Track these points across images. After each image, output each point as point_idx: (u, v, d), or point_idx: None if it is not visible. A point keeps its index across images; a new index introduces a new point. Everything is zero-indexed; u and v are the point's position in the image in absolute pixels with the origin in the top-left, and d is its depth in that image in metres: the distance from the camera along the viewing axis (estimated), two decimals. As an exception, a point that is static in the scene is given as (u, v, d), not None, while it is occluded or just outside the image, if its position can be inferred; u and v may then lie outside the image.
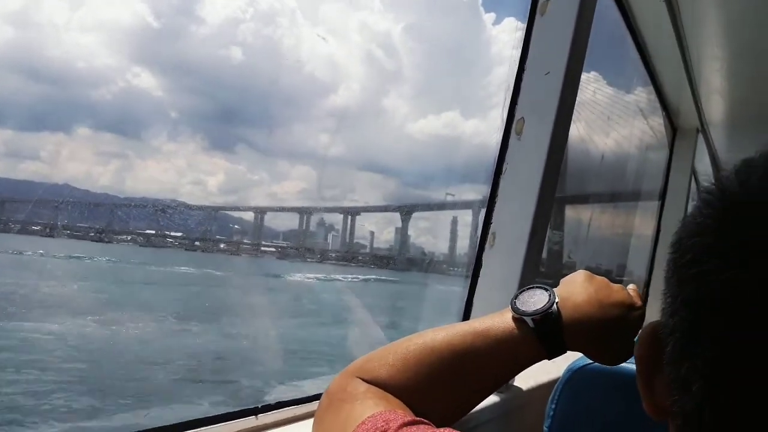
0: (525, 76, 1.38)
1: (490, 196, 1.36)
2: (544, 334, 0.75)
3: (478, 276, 1.35)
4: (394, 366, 0.75)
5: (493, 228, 1.35)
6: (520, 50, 1.40)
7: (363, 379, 0.75)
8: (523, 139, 1.35)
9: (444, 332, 0.77)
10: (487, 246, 1.35)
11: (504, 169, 1.36)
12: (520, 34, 1.45)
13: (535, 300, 0.78)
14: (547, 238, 1.36)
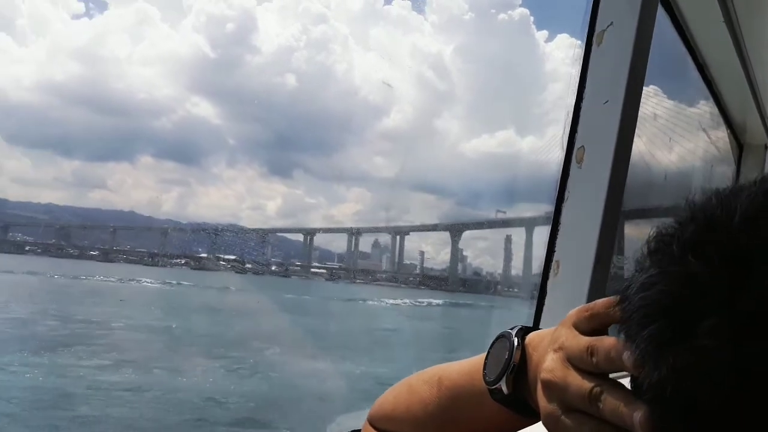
0: (584, 105, 1.40)
1: (552, 225, 1.37)
2: (504, 400, 0.64)
3: (543, 305, 1.36)
4: (399, 409, 0.79)
5: (556, 256, 1.36)
6: (577, 79, 1.42)
7: (374, 426, 0.80)
8: (584, 167, 1.36)
9: (451, 369, 0.75)
10: (551, 274, 1.36)
11: (566, 197, 1.38)
12: (578, 60, 1.47)
13: (498, 357, 0.66)
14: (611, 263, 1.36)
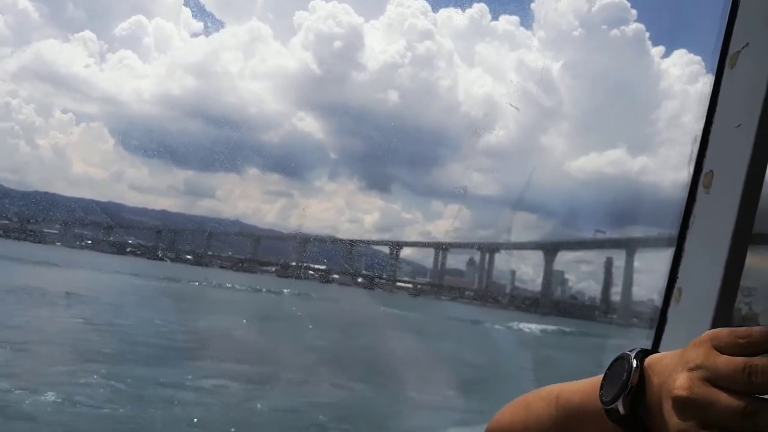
0: (713, 128, 1.36)
1: (675, 250, 1.34)
2: (621, 421, 0.65)
3: (662, 332, 1.32)
4: (516, 424, 0.80)
5: (679, 283, 1.32)
6: (708, 101, 1.38)
7: None
8: (711, 192, 1.32)
9: (569, 387, 0.76)
10: (672, 301, 1.32)
11: (691, 223, 1.34)
12: (704, 87, 1.42)
13: (615, 378, 0.66)
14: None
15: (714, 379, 0.55)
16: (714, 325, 1.25)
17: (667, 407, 0.58)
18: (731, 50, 1.36)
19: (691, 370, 0.57)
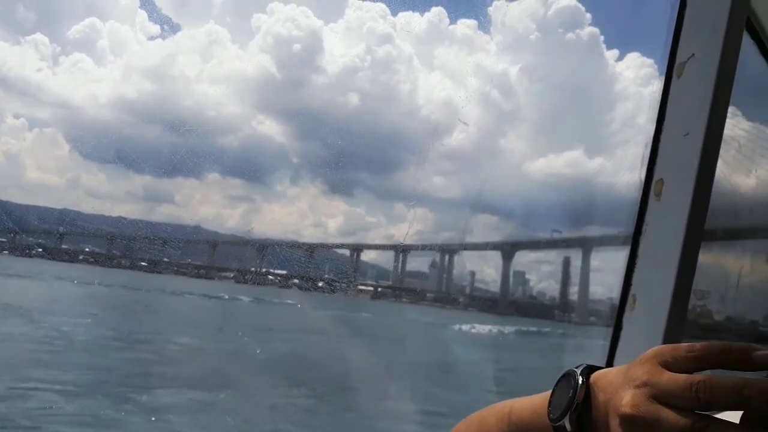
0: (663, 137, 1.38)
1: (629, 257, 1.36)
2: None
3: (618, 339, 1.34)
4: None
5: (633, 290, 1.34)
6: (656, 111, 1.41)
7: None
8: (662, 200, 1.34)
9: (520, 404, 0.76)
10: (627, 308, 1.34)
11: (643, 231, 1.36)
12: (656, 90, 1.45)
13: (562, 395, 0.67)
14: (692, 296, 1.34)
15: (660, 396, 0.55)
16: (668, 330, 1.28)
17: (614, 424, 0.58)
18: (678, 60, 1.39)
19: (637, 387, 0.57)
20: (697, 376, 0.54)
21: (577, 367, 0.68)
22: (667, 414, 0.54)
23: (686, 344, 0.58)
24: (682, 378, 0.55)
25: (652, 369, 0.57)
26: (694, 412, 0.53)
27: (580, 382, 0.65)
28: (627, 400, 0.57)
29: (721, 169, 1.41)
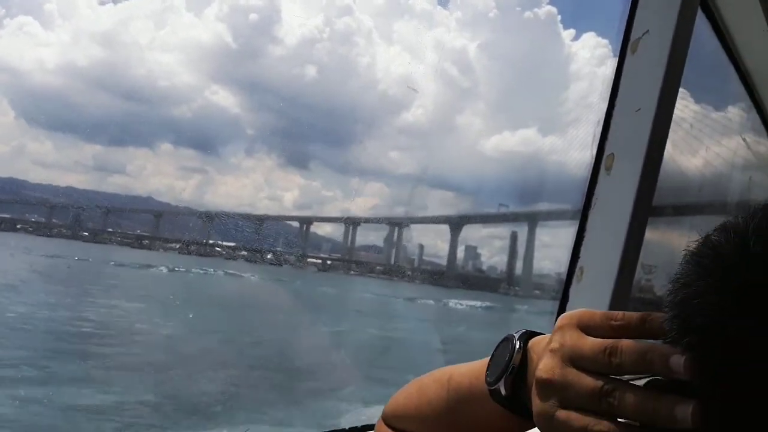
0: (615, 112, 1.40)
1: (578, 230, 1.37)
2: (503, 402, 0.65)
3: (564, 310, 1.35)
4: (410, 407, 0.81)
5: (580, 262, 1.36)
6: (610, 86, 1.42)
7: (387, 424, 0.82)
8: (612, 174, 1.36)
9: (460, 369, 0.76)
10: (574, 280, 1.36)
11: (593, 204, 1.38)
12: (610, 70, 1.46)
13: (500, 359, 0.66)
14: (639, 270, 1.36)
15: (575, 360, 0.55)
16: (613, 302, 1.30)
17: (534, 388, 0.58)
18: (633, 36, 1.40)
19: (553, 351, 0.57)
20: (609, 341, 0.54)
21: (516, 332, 0.67)
22: (579, 377, 0.54)
23: (613, 311, 0.58)
24: (596, 342, 0.55)
25: (571, 333, 0.57)
26: (606, 376, 0.53)
27: (517, 346, 0.65)
28: (543, 363, 0.57)
29: (672, 148, 1.44)
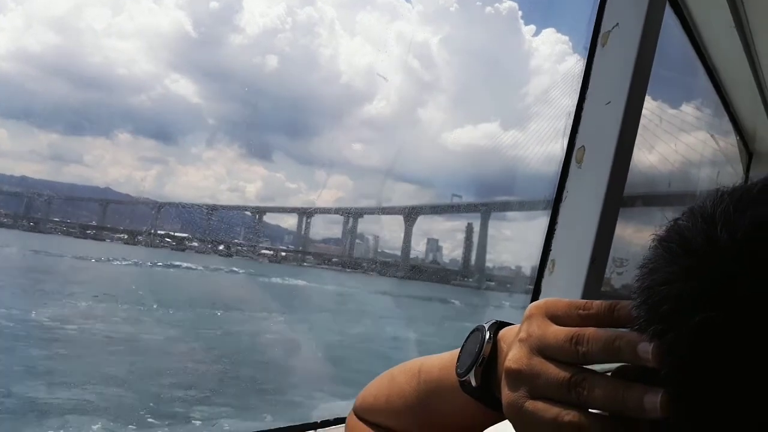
0: (586, 105, 1.40)
1: (549, 223, 1.37)
2: (473, 393, 0.64)
3: (537, 302, 1.36)
4: (380, 399, 0.79)
5: (552, 255, 1.36)
6: (580, 79, 1.42)
7: (359, 417, 0.81)
8: (583, 167, 1.37)
9: (430, 360, 0.75)
10: (546, 272, 1.36)
11: (564, 197, 1.38)
12: (576, 65, 1.47)
13: (470, 350, 0.65)
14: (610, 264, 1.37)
15: (543, 350, 0.53)
16: (585, 294, 1.31)
17: (502, 378, 0.56)
18: (603, 29, 1.40)
19: (521, 341, 0.55)
20: (576, 329, 0.52)
21: (487, 323, 0.65)
22: (547, 367, 0.52)
23: (582, 300, 0.57)
24: (563, 331, 0.53)
25: (539, 322, 0.55)
26: (575, 366, 0.51)
27: (487, 337, 0.63)
28: (512, 354, 0.55)
29: (642, 142, 1.45)
